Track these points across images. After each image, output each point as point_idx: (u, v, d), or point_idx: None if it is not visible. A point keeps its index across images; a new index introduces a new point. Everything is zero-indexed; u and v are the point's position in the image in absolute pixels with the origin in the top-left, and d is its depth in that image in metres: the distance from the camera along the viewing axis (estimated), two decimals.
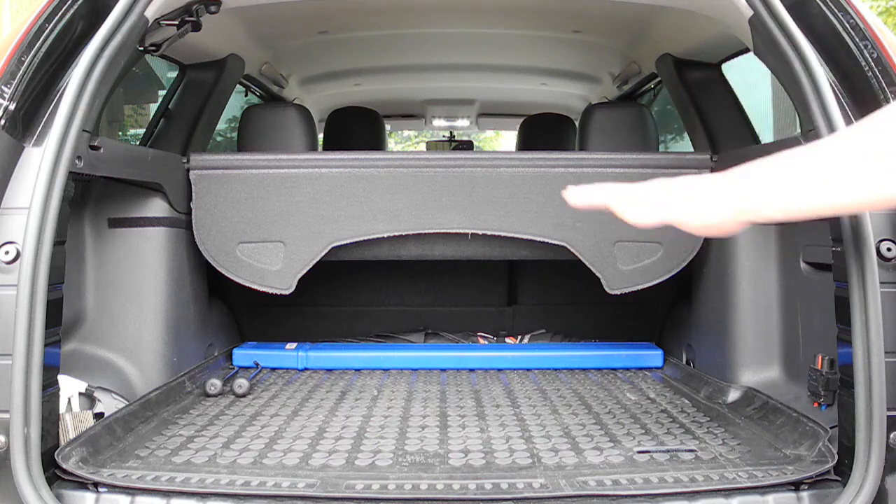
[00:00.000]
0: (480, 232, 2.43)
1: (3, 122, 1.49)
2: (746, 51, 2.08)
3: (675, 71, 2.80)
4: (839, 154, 1.12)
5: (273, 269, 2.42)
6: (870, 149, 1.08)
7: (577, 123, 3.86)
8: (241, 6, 2.42)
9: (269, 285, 2.43)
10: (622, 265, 2.43)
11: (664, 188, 1.27)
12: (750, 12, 1.73)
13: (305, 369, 2.58)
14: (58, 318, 1.53)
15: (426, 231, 2.43)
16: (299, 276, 2.42)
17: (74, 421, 1.76)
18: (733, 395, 2.07)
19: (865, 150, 1.09)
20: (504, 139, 15.02)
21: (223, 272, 2.44)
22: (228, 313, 2.84)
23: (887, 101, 1.53)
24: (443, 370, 2.57)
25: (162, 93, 3.44)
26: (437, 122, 5.31)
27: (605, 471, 1.49)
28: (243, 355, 2.62)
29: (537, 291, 3.08)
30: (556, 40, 3.31)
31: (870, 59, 1.60)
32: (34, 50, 1.57)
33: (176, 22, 2.02)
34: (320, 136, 4.11)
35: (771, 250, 2.17)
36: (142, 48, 1.91)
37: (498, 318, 3.08)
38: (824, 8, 1.67)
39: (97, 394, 1.95)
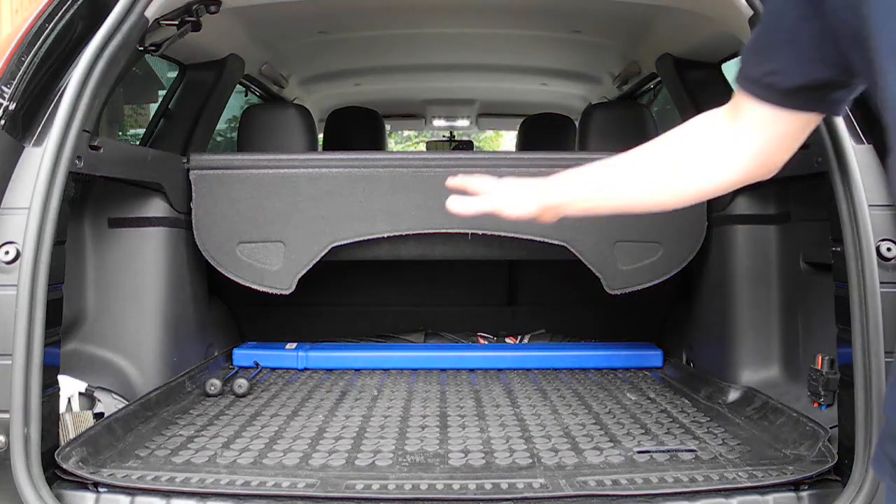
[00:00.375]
0: (480, 232, 2.42)
1: (3, 122, 1.49)
2: None
3: (675, 71, 2.80)
4: (611, 168, 1.47)
5: (273, 269, 2.42)
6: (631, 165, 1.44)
7: (577, 123, 3.86)
8: (241, 6, 2.42)
9: (269, 285, 2.42)
10: (622, 265, 2.43)
11: (501, 183, 1.54)
12: (750, 12, 1.73)
13: (305, 369, 2.58)
14: (58, 318, 1.53)
15: (426, 231, 2.43)
16: (299, 276, 2.42)
17: (74, 421, 1.76)
18: (733, 395, 2.07)
19: (629, 166, 1.45)
20: (504, 139, 15.03)
21: (223, 272, 2.44)
22: (228, 313, 2.84)
23: None
24: (443, 370, 2.57)
25: (162, 93, 3.44)
26: (437, 122, 5.31)
27: (605, 471, 1.49)
28: (243, 355, 2.62)
29: (537, 291, 3.08)
30: (556, 40, 3.30)
31: None
32: (34, 50, 1.57)
33: (176, 22, 2.02)
34: (320, 136, 4.11)
35: (771, 250, 2.18)
36: (142, 48, 1.91)
37: (498, 318, 3.08)
38: None
39: (97, 394, 1.95)
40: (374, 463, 1.55)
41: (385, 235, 2.42)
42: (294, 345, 2.68)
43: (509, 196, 1.50)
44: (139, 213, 2.23)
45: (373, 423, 1.87)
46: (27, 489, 1.35)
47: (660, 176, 1.41)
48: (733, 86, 1.33)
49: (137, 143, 3.27)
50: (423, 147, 8.06)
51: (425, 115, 5.14)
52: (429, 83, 4.33)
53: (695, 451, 1.61)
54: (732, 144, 1.33)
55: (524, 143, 4.18)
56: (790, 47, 1.18)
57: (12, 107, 1.51)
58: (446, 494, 1.38)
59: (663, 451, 1.61)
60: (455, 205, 1.53)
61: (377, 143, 3.87)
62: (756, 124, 1.29)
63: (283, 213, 2.40)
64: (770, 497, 1.38)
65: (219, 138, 5.08)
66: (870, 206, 1.45)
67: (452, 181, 1.61)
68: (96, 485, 1.42)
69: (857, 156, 1.48)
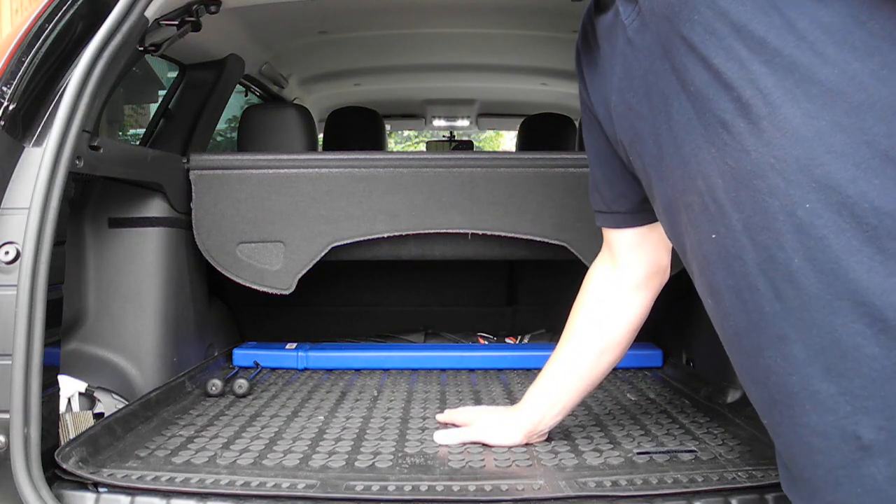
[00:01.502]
0: (480, 232, 2.43)
1: (3, 122, 1.49)
2: None
3: None
4: (564, 382, 1.67)
5: (273, 269, 2.42)
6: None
7: (577, 123, 3.86)
8: (241, 6, 2.42)
9: (269, 285, 2.42)
10: None
11: (477, 416, 1.76)
12: None
13: (305, 369, 2.58)
14: (58, 318, 1.53)
15: (426, 231, 2.43)
16: (299, 276, 2.42)
17: (74, 421, 1.76)
18: (733, 395, 2.07)
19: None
20: (504, 139, 15.02)
21: (223, 272, 2.44)
22: (228, 313, 2.84)
23: None
24: (443, 370, 2.57)
25: (162, 93, 3.44)
26: (437, 122, 5.32)
27: (604, 472, 1.49)
28: (243, 355, 2.62)
29: (537, 291, 3.08)
30: (556, 40, 3.31)
31: None
32: (34, 50, 1.57)
33: (176, 22, 2.02)
34: (320, 136, 4.11)
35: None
36: (142, 48, 1.91)
37: (498, 318, 3.08)
38: None
39: (97, 394, 1.95)
40: (373, 464, 1.55)
41: (385, 235, 2.42)
42: (294, 345, 2.68)
43: (492, 428, 1.68)
44: (139, 213, 2.23)
45: (373, 423, 1.87)
46: (27, 489, 1.35)
47: (601, 352, 1.65)
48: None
49: (137, 143, 3.27)
50: (423, 147, 8.07)
51: (425, 115, 5.15)
52: (429, 83, 4.33)
53: (694, 451, 1.61)
54: (628, 281, 1.62)
55: (524, 143, 4.18)
56: (612, 174, 1.48)
57: (12, 107, 1.51)
58: (446, 496, 1.38)
59: (663, 452, 1.61)
60: (441, 437, 1.69)
61: (377, 143, 3.87)
62: (631, 250, 1.58)
63: (283, 213, 2.40)
64: (770, 497, 1.38)
65: (219, 138, 5.08)
66: None
67: (440, 417, 1.84)
68: (96, 485, 1.42)
69: None
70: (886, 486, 0.90)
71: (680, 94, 1.06)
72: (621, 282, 1.63)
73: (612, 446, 1.67)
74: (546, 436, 1.68)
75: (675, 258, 2.44)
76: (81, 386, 1.91)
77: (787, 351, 0.97)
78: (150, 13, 1.76)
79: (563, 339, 1.69)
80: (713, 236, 1.05)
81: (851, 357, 0.91)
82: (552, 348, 2.82)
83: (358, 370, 2.57)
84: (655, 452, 1.61)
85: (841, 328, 0.91)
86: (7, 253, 1.44)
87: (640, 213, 1.50)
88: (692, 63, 1.02)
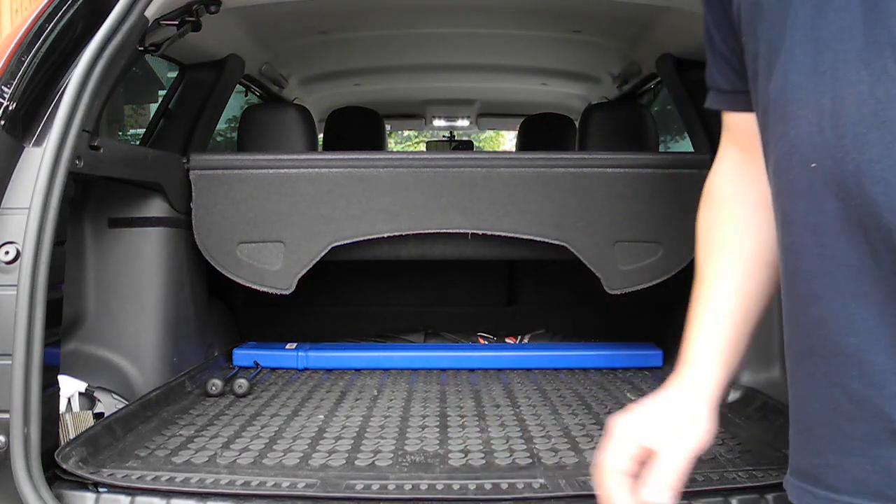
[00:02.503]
0: (480, 232, 2.42)
1: (3, 122, 1.49)
2: None
3: (676, 71, 2.80)
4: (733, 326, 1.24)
5: (273, 269, 2.42)
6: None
7: (577, 123, 3.86)
8: (241, 6, 2.42)
9: (269, 285, 2.42)
10: (622, 265, 2.43)
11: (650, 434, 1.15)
12: None
13: (305, 369, 2.58)
14: (58, 318, 1.53)
15: (426, 231, 2.43)
16: (299, 276, 2.42)
17: (74, 421, 1.76)
18: (733, 395, 2.06)
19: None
20: (504, 139, 15.02)
21: (223, 272, 2.44)
22: (228, 313, 2.84)
23: None
24: (443, 370, 2.57)
25: (162, 93, 3.45)
26: (437, 122, 5.32)
27: None
28: (243, 355, 2.62)
29: (537, 291, 3.08)
30: (556, 40, 3.31)
31: None
32: (34, 50, 1.57)
33: (176, 22, 2.02)
34: (320, 136, 4.11)
35: None
36: (142, 48, 1.91)
37: (498, 318, 3.08)
38: None
39: (97, 394, 1.95)
40: (374, 463, 1.55)
41: (385, 235, 2.42)
42: (294, 345, 2.68)
43: (679, 436, 1.13)
44: (139, 213, 2.23)
45: (373, 423, 1.87)
46: (27, 489, 1.35)
47: (766, 259, 1.19)
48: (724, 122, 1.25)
49: (137, 143, 3.27)
50: (423, 147, 8.07)
51: (425, 115, 5.15)
52: (429, 83, 4.33)
53: None
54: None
55: (524, 143, 4.18)
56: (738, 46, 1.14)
57: (12, 107, 1.51)
58: (446, 494, 1.38)
59: None
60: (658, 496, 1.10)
61: (377, 143, 3.87)
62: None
63: (283, 213, 2.40)
64: (770, 497, 1.37)
65: (219, 138, 5.08)
66: None
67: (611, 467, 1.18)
68: (96, 485, 1.42)
69: None
70: None
71: None
72: (763, 179, 1.14)
73: None
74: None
75: (680, 249, 2.45)
76: (81, 386, 1.91)
77: (858, 312, 0.88)
78: (150, 13, 1.76)
79: (710, 268, 1.25)
80: (813, 165, 0.90)
81: None
82: (552, 348, 2.85)
83: (358, 370, 2.57)
84: None
85: None
86: (7, 253, 1.44)
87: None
88: None
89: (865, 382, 0.88)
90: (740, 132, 1.23)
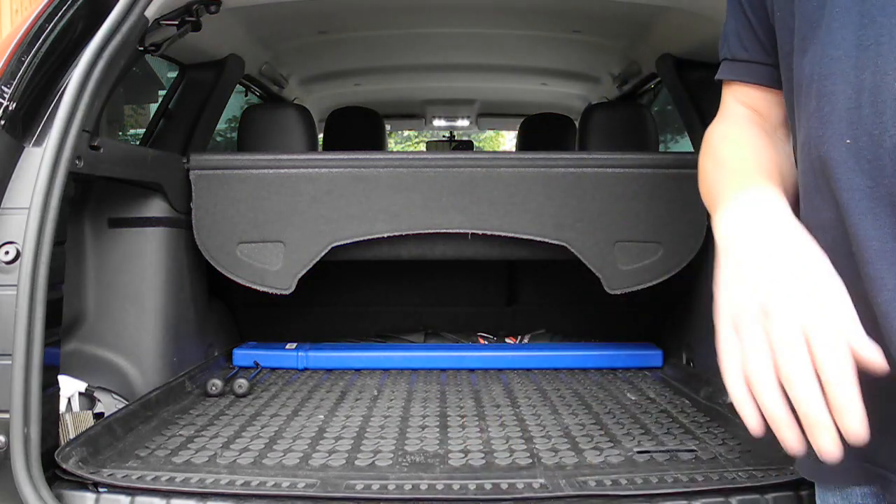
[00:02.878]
0: (480, 232, 2.43)
1: (3, 122, 1.49)
2: None
3: (675, 71, 2.80)
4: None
5: (273, 269, 2.42)
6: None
7: (577, 123, 3.86)
8: (241, 6, 2.42)
9: (269, 285, 2.42)
10: (622, 265, 2.43)
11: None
12: None
13: (305, 369, 2.58)
14: (58, 318, 1.53)
15: (426, 231, 2.43)
16: (299, 276, 2.42)
17: (74, 421, 1.76)
18: None
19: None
20: (504, 139, 15.02)
21: (223, 272, 2.44)
22: (228, 313, 2.84)
23: None
24: (443, 370, 2.57)
25: (162, 93, 3.44)
26: (437, 122, 5.32)
27: (604, 471, 1.49)
28: (243, 355, 2.62)
29: (537, 291, 3.08)
30: (556, 40, 3.31)
31: None
32: (34, 50, 1.57)
33: (176, 22, 2.02)
34: (320, 136, 4.11)
35: None
36: (142, 48, 1.91)
37: (498, 318, 3.08)
38: None
39: (97, 394, 1.95)
40: (374, 463, 1.55)
41: (385, 235, 2.42)
42: (294, 345, 2.68)
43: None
44: (139, 213, 2.23)
45: (373, 423, 1.87)
46: (27, 489, 1.35)
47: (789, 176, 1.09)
48: (731, 97, 1.17)
49: (137, 143, 3.27)
50: (423, 147, 8.07)
51: (425, 115, 5.15)
52: (429, 83, 4.33)
53: (695, 451, 1.61)
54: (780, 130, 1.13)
55: (524, 143, 4.19)
56: (765, 16, 1.09)
57: (12, 107, 1.51)
58: (446, 494, 1.38)
59: (663, 452, 1.61)
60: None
61: (377, 143, 3.87)
62: (776, 114, 1.13)
63: (283, 213, 2.40)
64: (770, 497, 1.37)
65: (219, 138, 5.08)
66: None
67: None
68: (96, 485, 1.42)
69: None
70: None
71: None
72: (774, 130, 1.14)
73: (612, 445, 1.67)
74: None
75: (680, 249, 2.45)
76: (81, 386, 1.91)
77: (875, 294, 0.85)
78: (150, 13, 1.76)
79: (727, 153, 1.11)
80: (847, 141, 0.87)
81: None
82: (552, 348, 2.85)
83: (358, 370, 2.57)
84: (655, 451, 1.61)
85: None
86: (7, 253, 1.44)
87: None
88: None
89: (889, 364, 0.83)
90: (750, 101, 1.16)
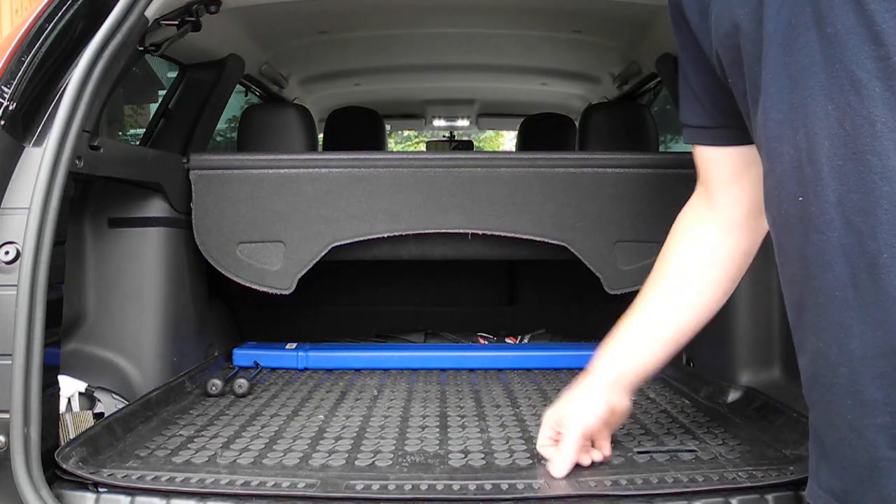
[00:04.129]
0: (480, 232, 2.43)
1: (3, 122, 1.49)
2: None
3: (676, 71, 2.80)
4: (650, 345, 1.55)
5: (273, 269, 2.42)
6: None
7: (577, 123, 3.86)
8: (241, 6, 2.42)
9: (269, 285, 2.42)
10: (622, 265, 2.43)
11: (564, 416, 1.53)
12: None
13: (305, 369, 2.58)
14: (58, 318, 1.53)
15: (426, 231, 2.43)
16: (299, 276, 2.42)
17: (74, 421, 1.76)
18: (733, 395, 2.07)
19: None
20: (504, 139, 15.02)
21: (223, 272, 2.44)
22: (228, 313, 2.84)
23: None
24: (443, 370, 2.57)
25: (162, 93, 3.45)
26: (437, 122, 5.32)
27: (604, 471, 1.49)
28: (243, 355, 2.62)
29: (537, 291, 3.08)
30: (556, 40, 3.31)
31: None
32: (34, 50, 1.57)
33: (176, 22, 2.02)
34: (320, 136, 4.11)
35: (770, 249, 2.17)
36: (142, 48, 1.91)
37: (498, 318, 3.08)
38: None
39: (97, 394, 1.95)
40: (374, 463, 1.55)
41: (385, 235, 2.42)
42: (294, 345, 2.68)
43: (572, 408, 1.53)
44: (139, 213, 2.23)
45: (373, 423, 1.87)
46: (27, 489, 1.35)
47: (693, 297, 1.48)
48: (696, 160, 1.38)
49: (137, 143, 3.27)
50: (423, 147, 8.07)
51: (425, 115, 5.15)
52: (429, 83, 4.33)
53: (695, 451, 1.61)
54: (726, 219, 1.39)
55: (524, 143, 4.19)
56: (713, 84, 1.22)
57: (12, 107, 1.51)
58: (446, 494, 1.38)
59: (663, 452, 1.61)
60: (559, 468, 1.48)
61: (377, 143, 3.87)
62: (731, 181, 1.34)
63: (283, 213, 2.40)
64: (770, 497, 1.37)
65: (219, 138, 5.09)
66: None
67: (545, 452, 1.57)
68: (96, 485, 1.42)
69: None
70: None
71: (810, 31, 0.90)
72: (716, 220, 1.39)
73: (612, 445, 1.67)
74: (628, 402, 1.55)
75: None
76: (81, 386, 1.91)
77: (845, 342, 0.90)
78: (150, 13, 1.76)
79: (648, 285, 1.54)
80: (799, 199, 0.93)
81: None
82: (552, 348, 2.85)
83: (358, 370, 2.57)
84: (656, 452, 1.61)
85: None
86: (7, 253, 1.45)
87: (746, 130, 1.20)
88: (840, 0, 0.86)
89: (859, 413, 0.91)
90: (703, 169, 1.39)
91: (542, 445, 1.54)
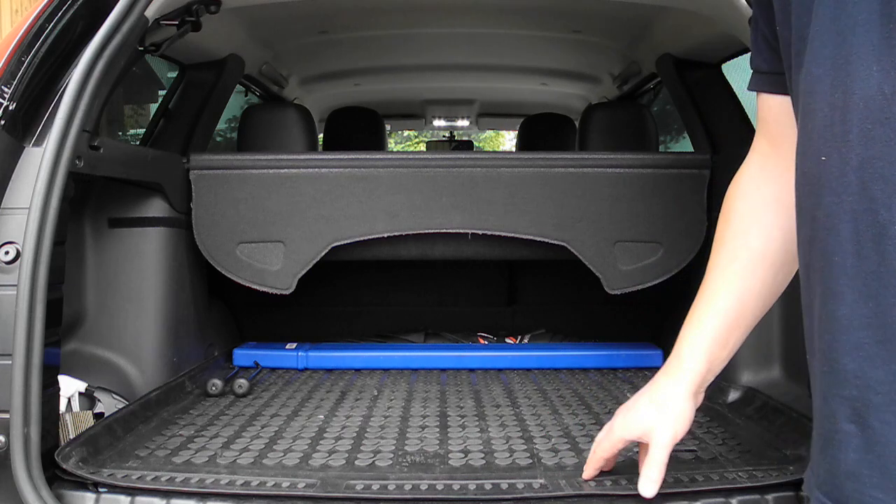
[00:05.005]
0: (480, 232, 2.43)
1: (3, 122, 1.49)
2: (746, 51, 2.08)
3: (675, 71, 2.80)
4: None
5: (273, 269, 2.42)
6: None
7: (577, 123, 3.86)
8: (241, 6, 2.42)
9: (269, 285, 2.42)
10: (622, 265, 2.43)
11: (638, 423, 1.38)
12: (750, 12, 1.73)
13: (305, 369, 2.58)
14: (58, 318, 1.53)
15: (426, 231, 2.43)
16: (299, 276, 2.42)
17: (74, 421, 1.76)
18: (733, 395, 2.07)
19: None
20: (504, 139, 15.02)
21: (223, 272, 2.44)
22: (228, 313, 2.84)
23: None
24: (443, 370, 2.57)
25: (162, 93, 3.45)
26: (437, 122, 5.32)
27: (605, 471, 1.49)
28: (243, 355, 2.62)
29: (537, 291, 3.08)
30: (556, 40, 3.31)
31: None
32: (34, 50, 1.57)
33: (176, 22, 2.02)
34: (320, 136, 4.11)
35: None
36: (142, 48, 1.91)
37: (498, 318, 3.08)
38: None
39: (97, 394, 1.95)
40: (374, 463, 1.55)
41: (385, 235, 2.42)
42: (294, 345, 2.68)
43: (663, 419, 1.35)
44: (139, 213, 2.23)
45: (373, 423, 1.87)
46: (27, 489, 1.35)
47: (762, 277, 1.27)
48: (757, 116, 1.24)
49: (137, 143, 3.27)
50: (423, 147, 8.07)
51: (425, 115, 5.15)
52: (429, 83, 4.33)
53: (695, 451, 1.61)
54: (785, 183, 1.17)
55: (524, 143, 4.19)
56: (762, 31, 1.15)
57: (12, 107, 1.51)
58: (446, 494, 1.38)
59: None
60: (649, 488, 1.32)
61: (377, 143, 3.87)
62: (794, 130, 1.14)
63: (283, 213, 2.40)
64: (770, 497, 1.38)
65: (219, 138, 5.09)
66: None
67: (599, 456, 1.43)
68: (96, 485, 1.42)
69: None
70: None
71: None
72: (785, 174, 1.20)
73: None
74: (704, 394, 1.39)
75: (680, 249, 2.45)
76: (81, 386, 1.91)
77: (833, 308, 0.89)
78: (150, 13, 1.76)
79: (723, 258, 1.31)
80: (822, 158, 0.90)
81: (889, 348, 0.84)
82: (552, 348, 2.85)
83: (358, 370, 2.57)
84: None
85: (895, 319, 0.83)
86: (7, 253, 1.45)
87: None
88: None
89: (830, 381, 0.90)
90: (771, 121, 1.23)
91: (597, 459, 1.41)
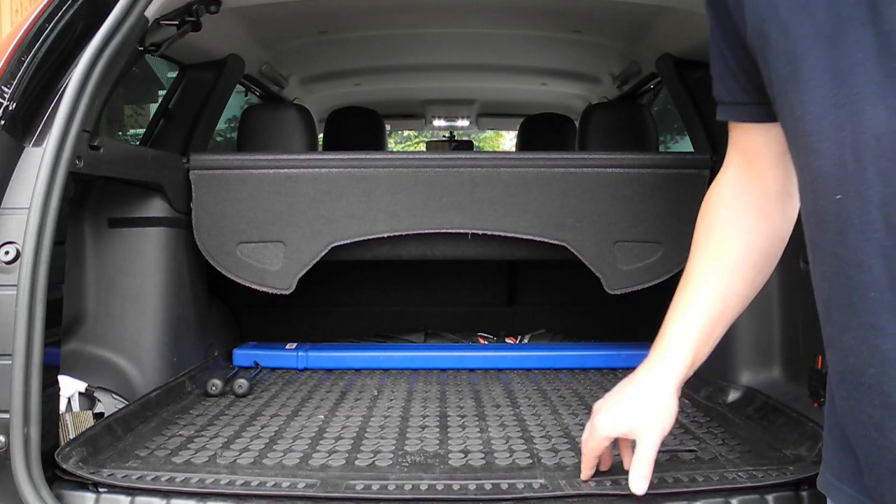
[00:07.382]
0: (480, 232, 2.43)
1: (3, 122, 1.49)
2: None
3: (676, 71, 2.80)
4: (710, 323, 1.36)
5: (273, 269, 2.42)
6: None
7: (577, 123, 3.86)
8: (241, 6, 2.42)
9: (269, 285, 2.42)
10: (622, 265, 2.43)
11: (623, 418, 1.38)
12: None
13: (305, 369, 2.58)
14: (58, 318, 1.53)
15: (426, 231, 2.43)
16: (299, 276, 2.42)
17: (74, 421, 1.76)
18: (733, 395, 2.07)
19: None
20: (504, 139, 15.02)
21: (223, 272, 2.44)
22: (228, 313, 2.84)
23: None
24: (443, 370, 2.57)
25: (162, 93, 3.45)
26: (437, 122, 5.32)
27: (604, 471, 1.49)
28: (243, 355, 2.62)
29: (537, 291, 3.08)
30: (556, 40, 3.31)
31: None
32: (34, 50, 1.57)
33: (176, 22, 2.02)
34: (320, 136, 4.11)
35: None
36: (142, 48, 1.91)
37: (498, 318, 3.08)
38: None
39: (97, 394, 1.95)
40: (373, 463, 1.55)
41: (385, 235, 2.42)
42: (294, 345, 2.68)
43: (646, 412, 1.34)
44: (139, 213, 2.23)
45: (373, 423, 1.87)
46: (27, 489, 1.35)
47: (742, 278, 1.31)
48: (730, 132, 1.27)
49: (137, 143, 3.27)
50: (423, 147, 8.07)
51: (425, 115, 5.15)
52: (429, 83, 4.33)
53: (695, 451, 1.61)
54: (769, 186, 1.23)
55: (524, 143, 4.19)
56: (746, 60, 1.14)
57: (12, 107, 1.51)
58: (446, 495, 1.38)
59: (663, 452, 1.60)
60: (639, 485, 1.32)
61: (377, 143, 3.87)
62: (776, 156, 1.20)
63: (283, 213, 2.40)
64: (770, 497, 1.38)
65: (219, 138, 5.09)
66: None
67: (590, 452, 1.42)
68: (96, 485, 1.42)
69: None
70: None
71: (865, 26, 0.87)
72: (761, 186, 1.24)
73: (612, 445, 1.66)
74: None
75: (680, 249, 2.45)
76: (81, 386, 1.91)
77: (876, 343, 0.90)
78: (150, 13, 1.76)
79: (703, 256, 1.34)
80: (837, 196, 0.91)
81: None
82: (552, 348, 2.85)
83: (358, 370, 2.57)
84: None
85: None
86: (7, 253, 1.45)
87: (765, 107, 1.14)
88: None
89: (884, 414, 0.91)
90: (741, 142, 1.26)
91: (589, 459, 1.42)
